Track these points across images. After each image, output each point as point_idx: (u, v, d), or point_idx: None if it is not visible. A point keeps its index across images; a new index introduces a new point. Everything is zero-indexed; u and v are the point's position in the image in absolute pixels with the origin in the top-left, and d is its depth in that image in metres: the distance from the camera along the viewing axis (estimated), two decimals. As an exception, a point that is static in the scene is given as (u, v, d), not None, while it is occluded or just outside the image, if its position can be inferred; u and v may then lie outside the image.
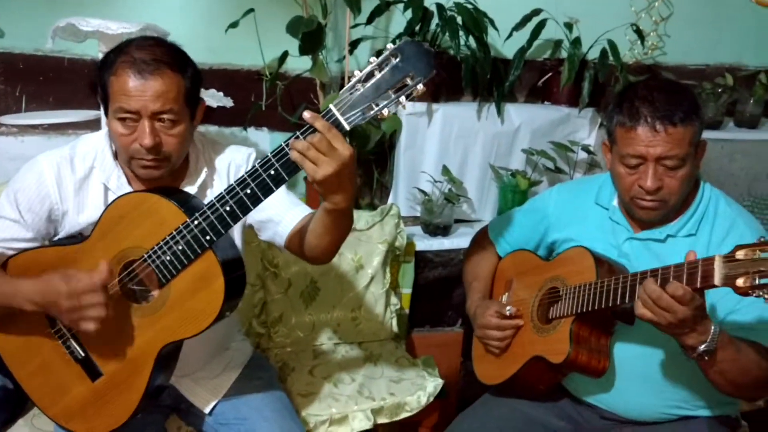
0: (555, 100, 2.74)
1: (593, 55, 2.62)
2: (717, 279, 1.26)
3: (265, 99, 2.51)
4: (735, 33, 3.04)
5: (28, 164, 1.52)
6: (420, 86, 1.19)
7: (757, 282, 1.21)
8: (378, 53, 1.23)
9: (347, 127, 1.22)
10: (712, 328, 1.36)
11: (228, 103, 2.33)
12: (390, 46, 1.20)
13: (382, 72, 1.19)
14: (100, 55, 2.11)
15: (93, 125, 2.32)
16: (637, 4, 2.84)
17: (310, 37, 2.22)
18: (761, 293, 1.21)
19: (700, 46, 3.01)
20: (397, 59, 1.18)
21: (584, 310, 1.53)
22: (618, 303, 1.46)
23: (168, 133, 1.42)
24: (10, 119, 2.31)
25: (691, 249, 1.34)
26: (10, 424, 1.66)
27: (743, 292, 1.23)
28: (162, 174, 1.47)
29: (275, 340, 2.15)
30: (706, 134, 2.88)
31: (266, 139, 2.59)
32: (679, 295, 1.29)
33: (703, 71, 3.04)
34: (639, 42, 2.74)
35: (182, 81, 1.42)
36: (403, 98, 1.20)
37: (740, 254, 1.24)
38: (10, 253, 1.50)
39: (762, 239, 1.24)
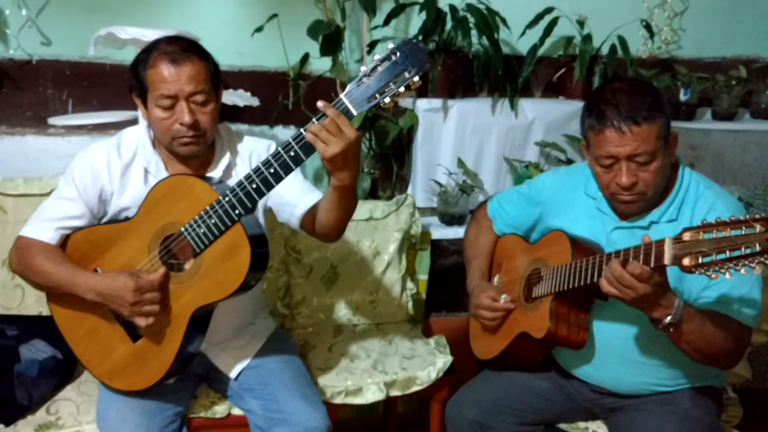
0: (569, 94, 2.84)
1: (607, 50, 2.71)
2: (667, 258, 1.35)
3: (291, 98, 2.67)
4: (752, 25, 3.07)
5: (82, 152, 1.74)
6: (416, 78, 1.39)
7: (700, 261, 1.29)
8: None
9: (355, 113, 1.42)
10: (677, 302, 1.45)
11: (254, 102, 2.50)
12: (391, 46, 1.40)
13: (384, 67, 1.39)
14: (138, 61, 2.30)
15: (131, 124, 2.49)
16: (649, 1, 2.92)
17: (330, 40, 2.37)
18: (702, 270, 1.29)
19: (716, 39, 3.05)
20: (397, 56, 1.38)
21: (561, 288, 1.64)
22: (589, 282, 1.56)
23: (202, 111, 1.63)
24: (57, 120, 2.50)
25: (674, 233, 1.40)
26: (60, 389, 1.85)
27: (688, 270, 1.31)
28: (200, 150, 1.67)
29: (298, 320, 2.31)
30: (720, 126, 2.98)
31: (293, 137, 2.75)
32: (637, 273, 1.39)
33: (719, 64, 3.08)
34: (650, 37, 2.82)
35: (207, 65, 1.65)
36: (402, 89, 1.39)
37: (686, 236, 1.32)
38: (67, 233, 1.70)
39: (704, 222, 1.32)
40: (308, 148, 1.45)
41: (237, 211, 1.52)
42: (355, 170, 1.48)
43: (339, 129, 1.39)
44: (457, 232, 2.58)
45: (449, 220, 2.61)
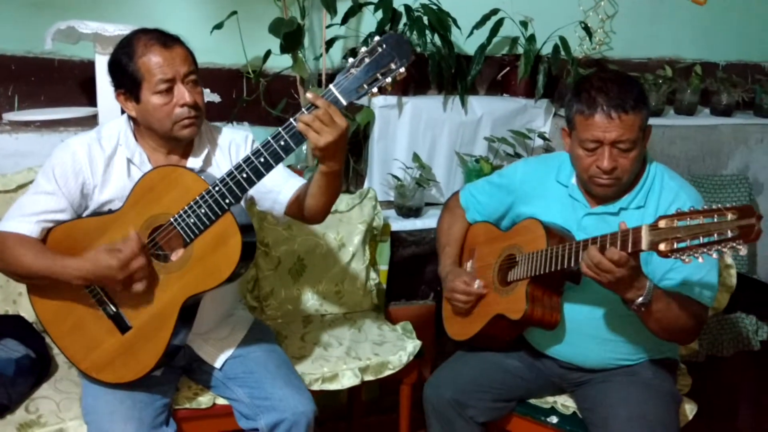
0: (513, 92, 2.99)
1: (547, 50, 2.87)
2: (644, 244, 1.46)
3: (247, 95, 2.69)
4: (673, 29, 3.33)
5: (61, 146, 1.71)
6: (402, 69, 1.45)
7: (675, 246, 1.40)
8: (365, 45, 1.47)
9: (344, 103, 1.47)
10: (648, 284, 1.58)
11: (216, 98, 2.51)
12: (377, 38, 1.46)
13: (372, 58, 1.45)
14: (97, 56, 2.26)
15: (85, 122, 2.43)
16: (585, 4, 3.11)
17: (291, 37, 2.41)
18: (677, 255, 1.41)
19: (642, 41, 3.30)
20: (383, 48, 1.44)
21: (537, 273, 1.74)
22: (565, 267, 1.67)
23: (196, 91, 1.67)
24: (4, 116, 2.42)
25: (641, 219, 1.52)
26: (36, 388, 1.81)
27: (664, 255, 1.43)
28: (198, 132, 1.70)
29: (267, 312, 2.34)
30: (649, 121, 3.18)
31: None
32: (616, 258, 1.51)
33: (646, 64, 3.32)
34: (587, 38, 3.01)
35: (188, 47, 1.69)
36: (388, 79, 1.45)
37: (662, 223, 1.43)
38: (49, 225, 1.67)
39: (678, 210, 1.44)
40: (298, 138, 1.50)
41: (227, 201, 1.55)
42: (343, 156, 1.55)
43: (331, 119, 1.45)
44: (414, 224, 2.68)
45: (406, 212, 2.70)
